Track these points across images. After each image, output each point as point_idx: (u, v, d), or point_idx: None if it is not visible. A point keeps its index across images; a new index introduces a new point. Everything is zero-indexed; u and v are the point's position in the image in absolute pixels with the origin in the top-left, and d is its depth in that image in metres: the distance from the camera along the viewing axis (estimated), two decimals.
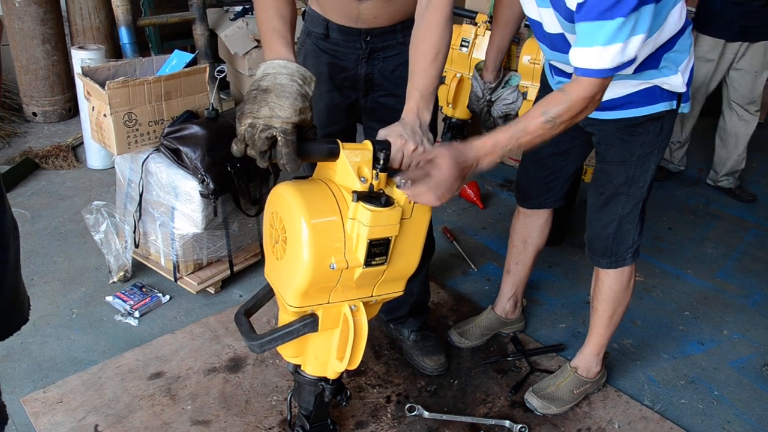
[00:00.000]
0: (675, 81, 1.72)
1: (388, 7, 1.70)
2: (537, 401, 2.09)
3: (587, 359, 2.15)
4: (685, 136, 3.91)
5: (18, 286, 1.16)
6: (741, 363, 2.47)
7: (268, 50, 1.42)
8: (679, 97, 1.78)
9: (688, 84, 1.78)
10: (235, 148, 1.29)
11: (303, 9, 1.91)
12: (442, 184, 1.35)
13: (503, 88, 2.12)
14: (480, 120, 2.17)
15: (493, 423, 2.05)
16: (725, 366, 2.44)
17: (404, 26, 1.75)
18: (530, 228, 2.27)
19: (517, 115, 2.17)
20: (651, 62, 1.69)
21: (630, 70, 1.66)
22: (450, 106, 3.64)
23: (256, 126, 1.24)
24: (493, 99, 2.12)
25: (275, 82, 1.27)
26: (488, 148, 1.44)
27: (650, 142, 1.83)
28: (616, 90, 1.75)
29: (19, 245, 1.14)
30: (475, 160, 1.43)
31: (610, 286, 2.04)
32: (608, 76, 1.43)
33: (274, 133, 1.25)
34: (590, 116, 1.85)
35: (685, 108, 1.82)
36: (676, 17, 1.65)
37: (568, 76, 1.73)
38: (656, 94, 1.74)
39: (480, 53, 3.51)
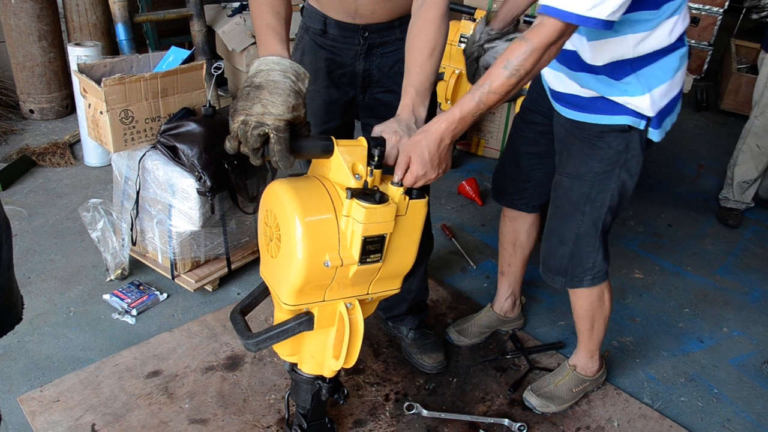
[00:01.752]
0: (640, 103, 1.63)
1: (385, 3, 1.69)
2: (536, 400, 2.09)
3: (583, 360, 2.15)
4: (759, 172, 3.42)
5: (11, 284, 1.15)
6: (741, 360, 2.46)
7: (262, 46, 1.41)
8: (649, 119, 1.69)
9: (663, 113, 1.68)
10: (228, 145, 1.28)
11: (301, 5, 1.90)
12: (423, 157, 1.36)
13: (504, 41, 1.98)
14: (466, 64, 2.02)
15: (492, 421, 2.04)
16: (725, 363, 2.44)
17: (402, 22, 1.74)
18: (517, 232, 2.23)
19: None
20: (618, 71, 1.61)
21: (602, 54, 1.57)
22: (449, 102, 3.63)
23: (249, 123, 1.23)
24: (486, 47, 1.97)
25: (268, 79, 1.26)
26: (455, 114, 1.40)
27: (611, 159, 1.73)
28: (578, 87, 1.69)
29: (12, 243, 1.13)
30: (446, 122, 1.40)
31: (579, 305, 2.01)
32: (572, 23, 1.35)
33: (267, 131, 1.24)
34: (557, 109, 1.80)
35: (653, 135, 1.72)
36: (666, 32, 1.57)
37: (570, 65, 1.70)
38: (620, 105, 1.67)
39: None
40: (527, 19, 3.35)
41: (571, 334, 2.49)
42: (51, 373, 2.12)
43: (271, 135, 1.24)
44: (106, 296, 2.47)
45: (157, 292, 2.50)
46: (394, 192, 1.34)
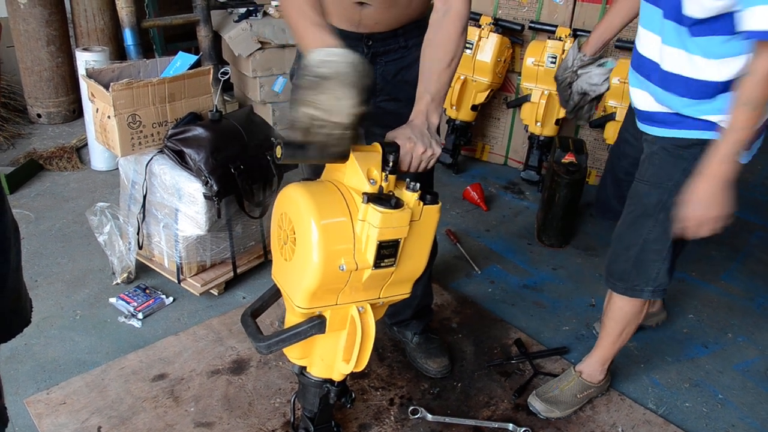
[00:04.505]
0: None
1: (389, 13, 1.69)
2: (540, 404, 2.09)
3: (592, 367, 2.14)
4: None
5: (19, 287, 1.16)
6: (746, 366, 2.46)
7: (317, 40, 1.33)
8: None
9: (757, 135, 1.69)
10: (293, 135, 1.24)
11: None
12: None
13: (596, 66, 2.06)
14: (558, 89, 2.13)
15: (496, 426, 2.04)
16: (730, 369, 2.44)
17: (405, 30, 1.75)
18: None
19: (597, 98, 2.11)
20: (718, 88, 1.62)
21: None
22: (454, 107, 3.64)
23: (315, 117, 1.21)
24: (579, 73, 2.06)
25: (338, 71, 1.22)
26: (715, 156, 1.56)
27: (693, 171, 1.70)
28: (674, 104, 1.71)
29: (20, 247, 1.14)
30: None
31: (621, 308, 1.99)
32: None
33: (335, 124, 1.22)
34: (644, 131, 1.82)
35: (742, 158, 1.67)
36: None
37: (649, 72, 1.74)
38: (710, 121, 1.68)
39: (484, 55, 3.52)
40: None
41: (575, 340, 2.50)
42: (57, 375, 2.13)
43: (337, 131, 1.23)
44: (113, 300, 2.48)
45: (163, 296, 2.51)
46: (409, 197, 1.35)
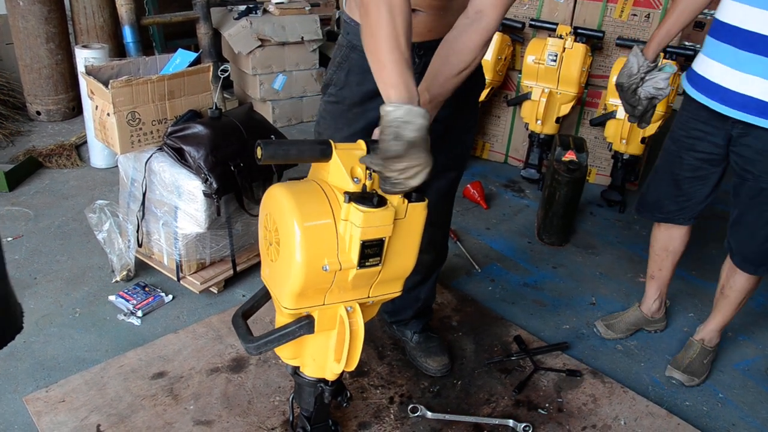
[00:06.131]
0: None
1: (444, 19, 1.63)
2: (681, 375, 2.28)
3: (712, 333, 2.35)
4: None
5: (6, 296, 1.13)
6: (746, 365, 2.46)
7: (399, 89, 1.30)
8: None
9: None
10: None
11: (337, 15, 1.81)
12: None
13: (659, 71, 2.13)
14: (624, 96, 2.18)
15: (496, 422, 2.04)
16: (730, 368, 2.43)
17: None
18: (672, 238, 2.37)
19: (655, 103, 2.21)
20: None
21: None
22: None
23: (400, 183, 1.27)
24: (646, 78, 2.13)
25: (413, 138, 1.25)
26: None
27: None
28: None
29: (3, 254, 1.10)
30: None
31: (747, 280, 2.20)
32: None
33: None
34: (759, 125, 1.90)
35: None
36: None
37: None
38: None
39: None
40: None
41: (576, 338, 2.49)
42: (56, 373, 2.13)
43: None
44: (112, 297, 2.48)
45: (163, 294, 2.51)
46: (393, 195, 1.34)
